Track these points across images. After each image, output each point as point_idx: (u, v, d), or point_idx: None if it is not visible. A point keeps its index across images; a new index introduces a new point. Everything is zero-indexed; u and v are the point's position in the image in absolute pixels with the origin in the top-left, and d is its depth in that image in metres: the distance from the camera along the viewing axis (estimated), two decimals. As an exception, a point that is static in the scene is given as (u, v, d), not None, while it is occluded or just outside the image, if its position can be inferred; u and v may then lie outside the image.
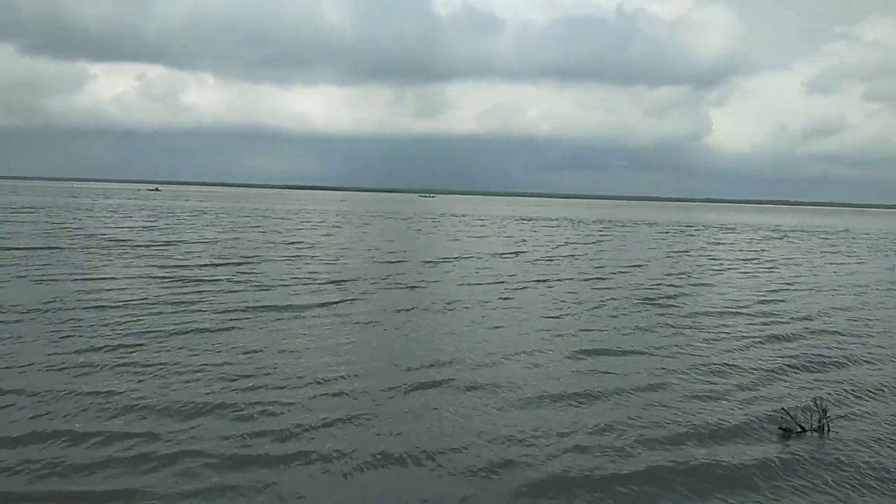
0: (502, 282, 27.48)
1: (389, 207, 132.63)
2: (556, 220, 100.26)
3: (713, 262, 40.06)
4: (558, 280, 28.83)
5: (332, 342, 15.92)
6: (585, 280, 29.22)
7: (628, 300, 23.61)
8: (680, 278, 30.84)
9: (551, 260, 37.14)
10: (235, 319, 18.01)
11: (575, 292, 25.28)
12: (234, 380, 12.52)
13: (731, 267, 36.99)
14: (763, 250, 51.21)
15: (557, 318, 20.04)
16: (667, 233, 72.39)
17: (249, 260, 32.00)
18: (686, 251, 48.26)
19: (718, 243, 58.17)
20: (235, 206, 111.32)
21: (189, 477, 8.63)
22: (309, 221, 71.58)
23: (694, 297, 25.23)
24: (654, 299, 23.94)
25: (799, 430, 10.73)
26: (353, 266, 31.21)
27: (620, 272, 32.38)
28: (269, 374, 13.03)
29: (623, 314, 20.92)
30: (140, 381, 12.23)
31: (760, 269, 36.23)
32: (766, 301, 24.44)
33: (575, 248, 46.94)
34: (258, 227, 58.73)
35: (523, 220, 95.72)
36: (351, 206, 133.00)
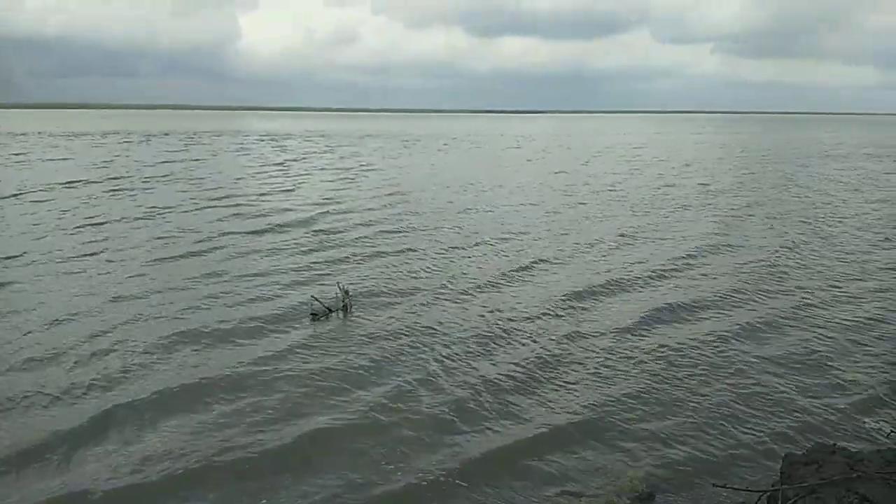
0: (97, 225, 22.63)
1: None
2: (115, 134, 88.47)
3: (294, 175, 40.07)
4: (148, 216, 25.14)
5: None
6: (148, 220, 26.00)
7: (238, 227, 21.90)
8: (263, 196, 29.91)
9: (118, 190, 31.62)
10: None
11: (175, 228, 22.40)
12: None
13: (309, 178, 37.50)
14: (343, 157, 53.66)
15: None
16: (253, 144, 70.73)
17: None
18: (278, 162, 47.66)
19: (307, 154, 58.31)
20: None
21: None
22: None
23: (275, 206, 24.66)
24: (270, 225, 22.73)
25: (327, 311, 12.58)
26: None
27: (219, 200, 29.40)
28: None
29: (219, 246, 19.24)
30: None
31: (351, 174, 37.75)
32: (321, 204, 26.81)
33: (164, 169, 41.73)
34: None
35: (64, 136, 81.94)
36: None
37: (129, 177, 36.57)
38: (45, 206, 26.20)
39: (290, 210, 25.53)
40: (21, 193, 29.49)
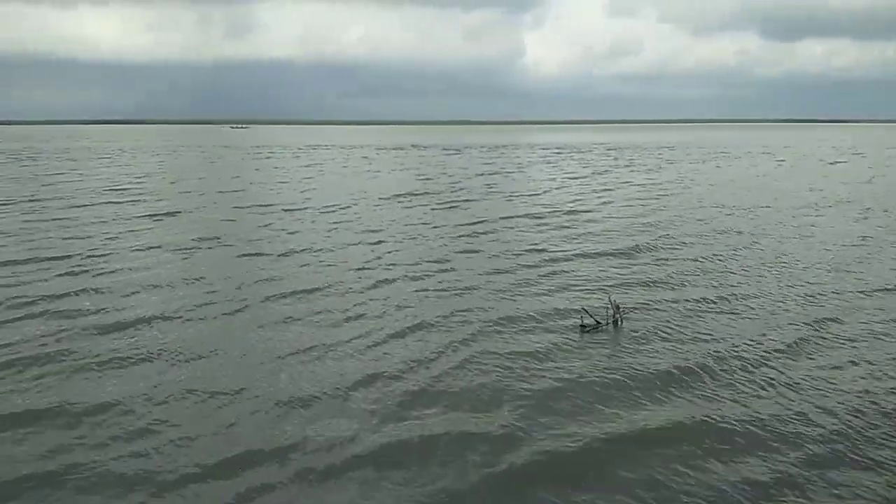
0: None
1: (232, 140, 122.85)
2: (420, 147, 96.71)
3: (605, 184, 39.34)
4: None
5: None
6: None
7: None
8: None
9: (445, 202, 33.32)
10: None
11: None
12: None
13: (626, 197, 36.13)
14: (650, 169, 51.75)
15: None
16: (551, 157, 72.72)
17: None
18: (582, 176, 47.52)
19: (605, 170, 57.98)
20: (65, 145, 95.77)
21: None
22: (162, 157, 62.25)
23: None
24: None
25: (595, 324, 12.48)
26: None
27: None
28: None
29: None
30: None
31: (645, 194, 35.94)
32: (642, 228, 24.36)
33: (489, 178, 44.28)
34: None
35: (383, 148, 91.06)
36: (184, 140, 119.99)
37: (451, 190, 38.77)
38: (386, 214, 28.46)
39: (594, 224, 25.14)
40: (360, 202, 32.53)
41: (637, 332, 12.39)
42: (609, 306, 12.89)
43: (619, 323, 12.67)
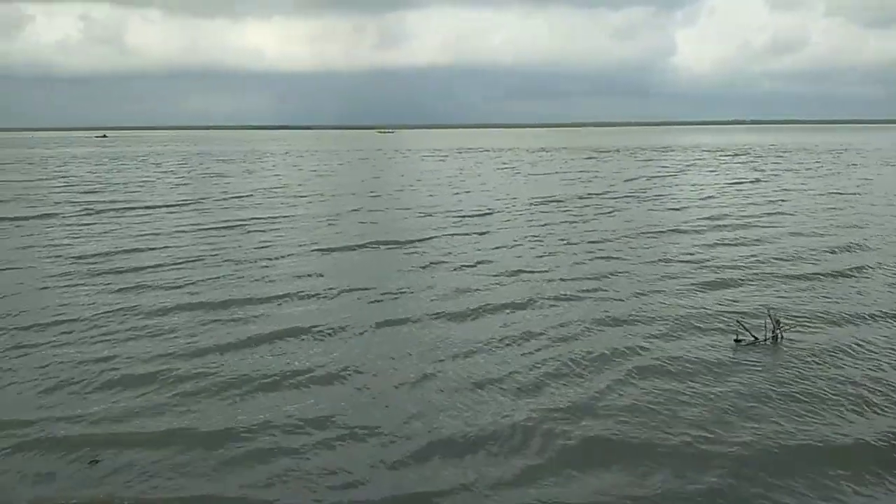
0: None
1: (381, 144, 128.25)
2: (575, 149, 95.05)
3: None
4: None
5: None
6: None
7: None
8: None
9: (599, 206, 31.85)
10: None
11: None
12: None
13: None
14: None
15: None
16: (712, 160, 69.23)
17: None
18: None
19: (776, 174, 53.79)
20: (233, 149, 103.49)
21: None
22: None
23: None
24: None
25: (752, 339, 11.70)
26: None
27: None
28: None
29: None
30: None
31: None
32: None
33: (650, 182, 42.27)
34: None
35: (529, 151, 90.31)
36: (339, 145, 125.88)
37: (604, 195, 37.22)
38: (537, 220, 27.49)
39: (768, 240, 22.41)
40: (509, 207, 31.61)
41: (802, 350, 11.31)
42: (769, 319, 11.91)
43: (780, 339, 11.74)
